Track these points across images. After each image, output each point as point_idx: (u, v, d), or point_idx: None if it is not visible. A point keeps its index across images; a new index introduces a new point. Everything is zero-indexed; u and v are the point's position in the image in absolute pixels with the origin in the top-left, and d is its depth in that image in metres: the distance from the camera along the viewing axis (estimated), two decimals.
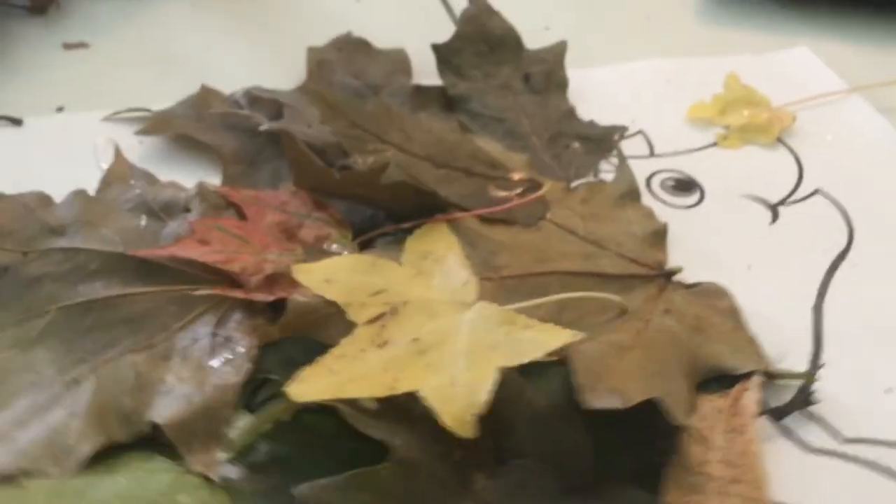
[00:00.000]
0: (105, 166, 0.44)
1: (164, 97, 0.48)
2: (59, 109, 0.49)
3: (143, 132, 0.46)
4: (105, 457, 0.31)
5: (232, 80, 0.50)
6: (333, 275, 0.35)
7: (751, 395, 0.32)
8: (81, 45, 0.54)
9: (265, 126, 0.43)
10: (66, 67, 0.53)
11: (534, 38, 0.52)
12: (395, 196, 0.38)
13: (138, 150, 0.46)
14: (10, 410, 0.32)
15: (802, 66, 0.52)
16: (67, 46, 0.54)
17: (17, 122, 0.48)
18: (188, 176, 0.42)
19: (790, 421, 0.33)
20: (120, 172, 0.43)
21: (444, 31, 0.50)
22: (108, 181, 0.43)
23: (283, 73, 0.50)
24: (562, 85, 0.50)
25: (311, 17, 0.58)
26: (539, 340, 0.31)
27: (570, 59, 0.51)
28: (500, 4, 0.52)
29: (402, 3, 0.58)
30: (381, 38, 0.52)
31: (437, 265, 0.36)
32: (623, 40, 0.56)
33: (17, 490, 0.30)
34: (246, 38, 0.56)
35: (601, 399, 0.29)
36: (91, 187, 0.42)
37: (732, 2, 0.59)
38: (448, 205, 0.39)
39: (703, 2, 0.59)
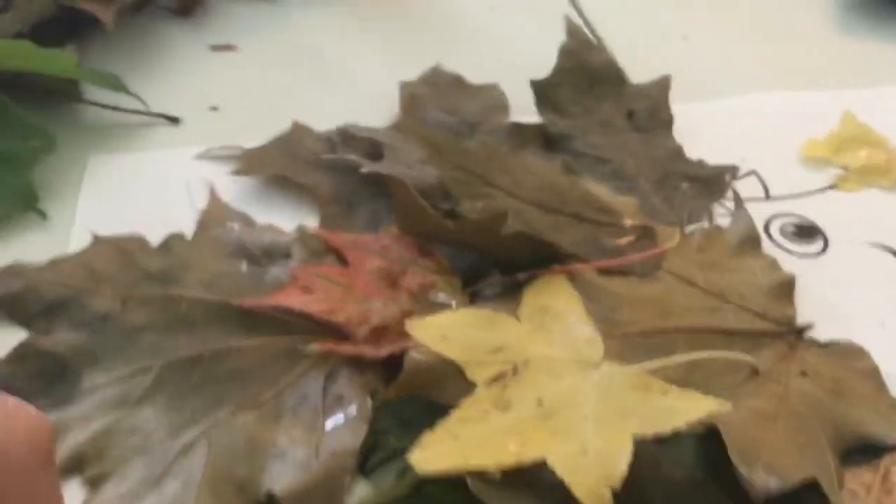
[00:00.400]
0: (199, 206, 0.43)
1: (310, 98, 0.49)
2: (213, 109, 0.50)
3: (238, 172, 0.45)
4: None
5: (375, 83, 0.50)
6: (449, 330, 0.33)
7: None
8: (228, 47, 0.55)
9: (368, 168, 0.42)
10: (215, 69, 0.54)
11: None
12: (510, 245, 0.37)
13: (232, 189, 0.45)
14: (121, 480, 0.31)
15: None
16: (215, 48, 0.55)
17: (174, 120, 0.49)
18: (282, 217, 0.42)
19: None
20: (216, 214, 0.42)
21: None
22: (204, 223, 0.42)
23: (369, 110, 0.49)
24: (667, 122, 0.48)
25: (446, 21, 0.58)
26: (680, 409, 0.29)
27: (704, 81, 0.49)
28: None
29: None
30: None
31: (558, 321, 0.34)
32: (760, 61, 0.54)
33: None
34: (385, 39, 0.56)
35: (761, 478, 0.27)
36: (184, 228, 0.41)
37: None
38: (564, 255, 0.37)
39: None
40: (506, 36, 0.54)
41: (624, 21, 0.57)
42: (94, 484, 0.31)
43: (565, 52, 0.49)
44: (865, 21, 0.57)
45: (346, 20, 0.58)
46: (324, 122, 0.47)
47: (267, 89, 0.52)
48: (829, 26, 0.57)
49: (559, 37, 0.49)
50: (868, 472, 0.30)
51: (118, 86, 0.48)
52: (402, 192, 0.38)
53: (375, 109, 0.48)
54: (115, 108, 0.49)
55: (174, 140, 0.48)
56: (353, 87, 0.51)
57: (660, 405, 0.30)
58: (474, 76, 0.50)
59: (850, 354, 0.35)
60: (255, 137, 0.46)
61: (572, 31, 0.50)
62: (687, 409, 0.29)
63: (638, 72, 0.50)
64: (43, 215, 0.43)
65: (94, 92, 0.50)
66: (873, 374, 0.34)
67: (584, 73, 0.49)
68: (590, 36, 0.50)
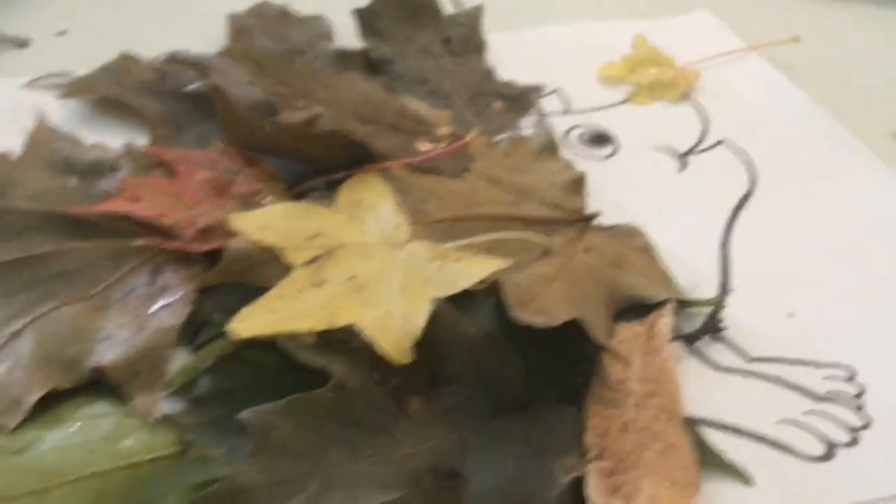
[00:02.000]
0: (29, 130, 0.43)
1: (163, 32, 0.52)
2: (61, 34, 0.52)
3: (65, 95, 0.46)
4: (50, 407, 0.32)
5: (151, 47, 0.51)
6: (269, 222, 0.36)
7: (665, 320, 0.34)
8: None
9: (194, 85, 0.43)
10: None
11: None
12: (326, 147, 0.39)
13: (61, 114, 0.46)
14: None
15: (704, 28, 0.55)
16: None
17: (22, 44, 0.51)
18: (113, 139, 0.43)
19: (701, 344, 0.35)
20: (43, 135, 0.43)
21: None
22: (31, 144, 0.42)
23: (199, 41, 0.51)
24: (479, 47, 0.52)
25: None
26: (469, 271, 0.33)
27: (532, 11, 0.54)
28: None
29: None
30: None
31: (370, 211, 0.37)
32: None
33: None
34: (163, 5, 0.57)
35: (531, 317, 0.31)
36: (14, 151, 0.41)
37: None
38: (377, 156, 0.40)
39: None
40: None
41: None
42: None
43: None
44: None
45: None
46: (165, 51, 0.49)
47: (115, 17, 0.54)
48: None
49: None
50: (639, 325, 0.35)
51: None
52: (224, 103, 0.40)
53: (215, 41, 0.51)
54: None
55: (22, 66, 0.49)
56: (196, 19, 0.53)
57: (453, 270, 0.33)
58: (305, 8, 0.53)
59: (628, 234, 0.39)
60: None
61: None
62: (475, 271, 0.32)
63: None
64: None
65: None
66: (647, 249, 0.39)
67: (404, 4, 0.52)
68: None
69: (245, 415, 0.28)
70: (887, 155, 0.46)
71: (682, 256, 0.38)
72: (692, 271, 0.38)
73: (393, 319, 0.32)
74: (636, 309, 0.36)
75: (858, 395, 0.33)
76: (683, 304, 0.36)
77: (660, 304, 0.35)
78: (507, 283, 0.32)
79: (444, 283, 0.33)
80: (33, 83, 0.48)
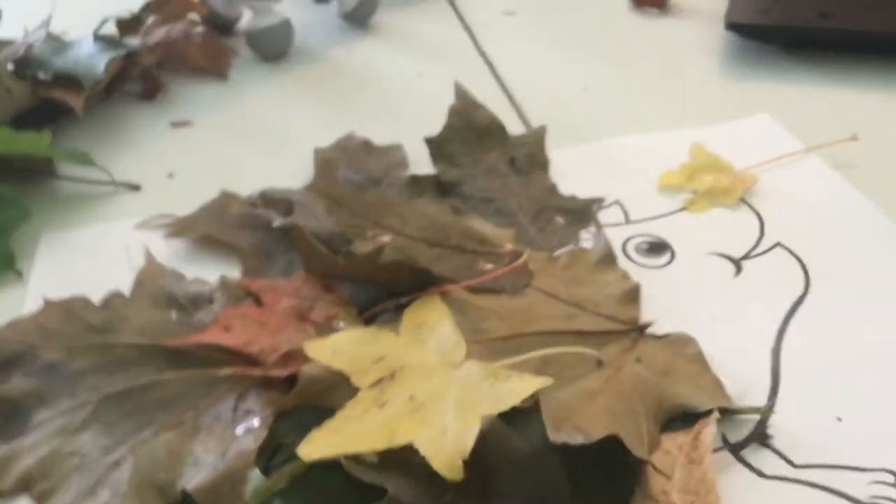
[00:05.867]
0: (137, 267, 0.49)
1: (253, 165, 0.58)
2: (170, 176, 0.59)
3: (170, 235, 0.52)
4: None
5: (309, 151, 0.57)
6: (339, 347, 0.40)
7: (709, 430, 0.35)
8: (186, 123, 0.65)
9: (278, 222, 0.48)
10: (173, 143, 0.63)
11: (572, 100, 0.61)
12: (393, 273, 0.43)
13: (166, 252, 0.51)
14: (63, 494, 0.37)
15: (763, 132, 0.57)
16: (174, 125, 0.64)
17: (135, 188, 0.58)
18: (210, 273, 0.48)
19: (748, 452, 0.36)
20: (151, 272, 0.49)
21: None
22: (140, 281, 0.48)
23: (293, 175, 0.56)
24: (543, 164, 0.55)
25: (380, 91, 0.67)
26: (515, 389, 0.35)
27: (599, 125, 0.59)
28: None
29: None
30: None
31: (431, 333, 0.40)
32: (653, 103, 0.63)
33: None
34: (327, 111, 0.65)
35: (567, 435, 0.33)
36: (124, 288, 0.47)
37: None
38: (440, 279, 0.43)
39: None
40: (428, 100, 0.62)
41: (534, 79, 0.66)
42: (40, 499, 0.37)
43: (454, 113, 0.57)
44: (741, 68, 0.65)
45: (289, 96, 0.68)
46: (263, 186, 0.54)
47: (217, 158, 0.61)
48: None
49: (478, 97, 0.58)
50: (683, 434, 0.36)
51: (86, 160, 0.58)
52: (301, 238, 0.45)
53: (307, 174, 0.56)
54: (84, 181, 0.58)
55: (136, 206, 0.56)
56: (291, 155, 0.59)
57: (503, 388, 0.36)
58: (397, 138, 0.58)
59: (680, 343, 0.41)
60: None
61: (460, 94, 0.57)
62: (520, 388, 0.35)
63: (540, 121, 0.59)
64: (20, 274, 0.50)
65: (67, 169, 0.59)
66: (698, 357, 0.40)
67: (471, 129, 0.56)
68: (477, 99, 0.58)
69: None
70: None
71: (734, 363, 0.40)
72: (743, 377, 0.39)
73: (446, 437, 0.35)
74: (686, 418, 0.37)
75: None
76: (732, 412, 0.37)
77: (702, 413, 0.37)
78: (547, 401, 0.35)
79: (494, 400, 0.36)
80: (143, 224, 0.54)
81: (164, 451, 0.38)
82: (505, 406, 0.35)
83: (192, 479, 0.37)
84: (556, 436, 0.33)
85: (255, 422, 0.38)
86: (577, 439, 0.33)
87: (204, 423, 0.39)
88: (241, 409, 0.40)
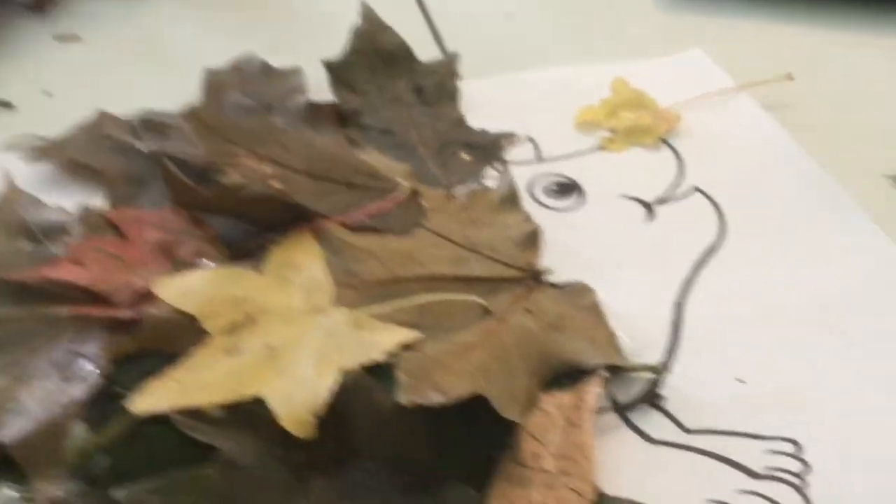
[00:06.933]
0: None
1: (153, 92, 0.51)
2: (48, 94, 0.53)
3: (31, 159, 0.46)
4: None
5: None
6: (192, 287, 0.35)
7: (591, 389, 0.32)
8: (74, 37, 0.58)
9: (145, 147, 0.43)
10: (57, 58, 0.56)
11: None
12: (263, 209, 0.38)
13: (30, 177, 0.46)
14: None
15: (694, 68, 0.53)
16: (59, 38, 0.58)
17: (7, 105, 0.51)
18: (73, 200, 0.43)
19: (637, 415, 0.33)
20: (9, 198, 0.44)
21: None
22: None
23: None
24: (452, 95, 0.50)
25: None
26: (378, 342, 0.31)
27: (525, 53, 0.54)
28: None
29: None
30: None
31: (297, 273, 0.36)
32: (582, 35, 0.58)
33: None
34: (232, 32, 0.59)
35: (423, 396, 0.29)
36: None
37: None
38: (318, 216, 0.39)
39: None
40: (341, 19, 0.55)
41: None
42: None
43: (358, 35, 0.51)
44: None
45: (188, 14, 0.61)
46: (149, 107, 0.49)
47: (103, 78, 0.54)
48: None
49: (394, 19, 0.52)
50: (568, 394, 0.32)
51: None
52: (165, 167, 0.40)
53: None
54: None
55: (5, 126, 0.50)
56: (184, 77, 0.52)
57: (366, 339, 0.32)
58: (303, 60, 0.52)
59: (576, 293, 0.37)
60: None
61: (366, 14, 0.52)
62: (383, 342, 0.31)
63: (459, 49, 0.53)
64: None
65: None
66: (594, 308, 0.36)
67: (377, 54, 0.51)
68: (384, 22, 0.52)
69: (118, 493, 0.27)
70: (882, 198, 0.43)
71: (634, 316, 0.36)
72: (642, 332, 0.35)
73: (299, 390, 0.31)
74: (575, 375, 0.33)
75: (801, 475, 0.30)
76: (624, 370, 0.34)
77: (590, 370, 0.33)
78: (406, 356, 0.31)
79: (358, 352, 0.32)
80: (7, 146, 0.48)
81: None
82: (367, 359, 0.31)
83: (12, 427, 0.32)
84: (409, 396, 0.29)
85: (87, 368, 0.34)
86: (434, 399, 0.29)
87: (35, 368, 0.35)
88: (78, 353, 0.35)
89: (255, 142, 0.42)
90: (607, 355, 0.34)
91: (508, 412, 0.30)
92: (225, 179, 0.40)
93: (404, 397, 0.29)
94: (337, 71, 0.51)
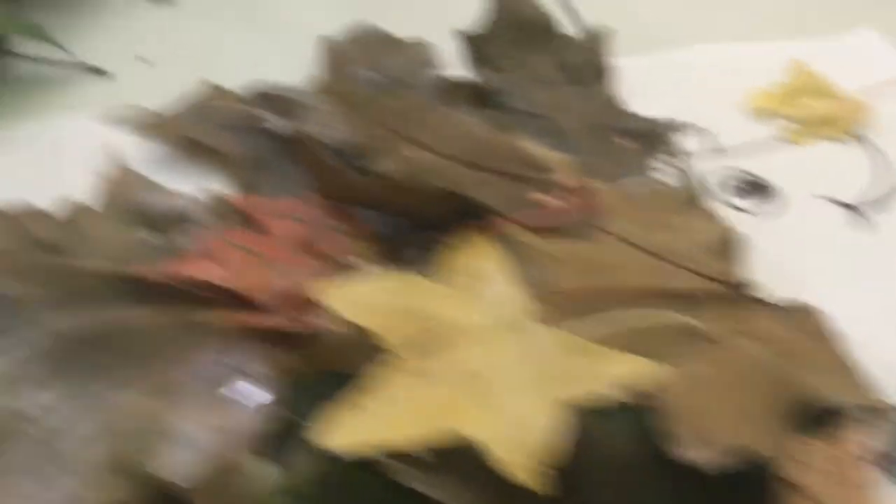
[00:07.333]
0: (101, 174, 0.39)
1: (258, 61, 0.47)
2: (143, 60, 0.48)
3: (142, 135, 0.41)
4: None
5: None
6: (366, 297, 0.30)
7: (855, 438, 0.27)
8: None
9: (279, 126, 0.38)
10: (150, 22, 0.52)
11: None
12: (425, 200, 0.34)
13: (136, 155, 0.41)
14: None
15: (867, 51, 0.47)
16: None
17: (101, 72, 0.47)
18: (192, 184, 0.39)
19: None
20: (120, 180, 0.39)
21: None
22: (106, 190, 0.38)
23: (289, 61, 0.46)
24: (603, 74, 0.45)
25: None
26: (604, 372, 0.26)
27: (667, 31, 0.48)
28: None
29: None
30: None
31: (481, 282, 0.31)
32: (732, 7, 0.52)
33: None
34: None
35: (696, 451, 0.24)
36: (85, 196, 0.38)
37: None
38: (484, 211, 0.34)
39: None
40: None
41: None
42: None
43: (497, 3, 0.46)
44: None
45: None
46: (253, 78, 0.44)
47: (200, 42, 0.50)
48: None
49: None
50: (820, 440, 0.27)
51: (40, 33, 0.46)
52: (312, 154, 0.35)
53: (306, 68, 0.45)
54: (39, 61, 0.47)
55: (101, 95, 0.46)
56: (288, 43, 0.48)
57: (586, 367, 0.27)
58: (408, 31, 0.47)
59: (798, 314, 0.32)
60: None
61: None
62: (613, 372, 0.26)
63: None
64: None
65: (19, 45, 0.48)
66: (824, 334, 0.31)
67: (518, 26, 0.46)
68: None
69: None
70: None
71: (872, 344, 0.31)
72: (887, 365, 0.30)
73: (517, 430, 0.26)
74: (815, 417, 0.28)
75: None
76: (879, 412, 0.29)
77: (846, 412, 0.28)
78: (666, 398, 0.26)
79: (578, 384, 0.27)
80: (109, 117, 0.43)
81: (131, 417, 0.28)
82: (593, 393, 0.26)
83: (172, 460, 0.27)
84: (688, 452, 0.24)
85: (255, 389, 0.29)
86: (711, 457, 0.24)
87: (180, 383, 0.30)
88: (236, 369, 0.30)
89: (405, 124, 0.37)
90: (854, 393, 0.29)
91: (774, 465, 0.25)
92: (379, 167, 0.35)
93: (683, 453, 0.24)
94: (475, 43, 0.45)
